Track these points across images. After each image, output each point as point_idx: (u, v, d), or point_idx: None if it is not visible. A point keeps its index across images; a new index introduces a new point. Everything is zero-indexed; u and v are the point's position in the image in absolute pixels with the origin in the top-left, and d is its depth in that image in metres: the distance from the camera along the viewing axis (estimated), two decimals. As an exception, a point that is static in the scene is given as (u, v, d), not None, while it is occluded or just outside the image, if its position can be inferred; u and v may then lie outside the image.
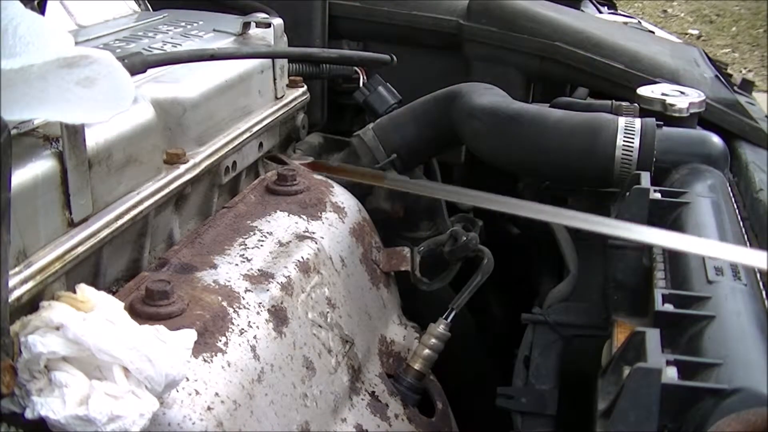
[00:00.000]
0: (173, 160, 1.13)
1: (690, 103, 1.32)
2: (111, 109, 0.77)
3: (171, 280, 0.96)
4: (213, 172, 1.24)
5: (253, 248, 1.12)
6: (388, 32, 1.79)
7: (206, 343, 0.91)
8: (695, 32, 6.78)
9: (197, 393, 0.86)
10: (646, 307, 0.91)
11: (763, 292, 0.87)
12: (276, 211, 1.22)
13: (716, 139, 1.22)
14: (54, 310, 0.80)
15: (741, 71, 5.61)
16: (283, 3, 1.61)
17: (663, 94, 1.34)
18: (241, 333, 0.96)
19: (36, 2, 0.95)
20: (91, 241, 0.94)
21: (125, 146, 1.01)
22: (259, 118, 1.38)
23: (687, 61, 1.61)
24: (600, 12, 2.17)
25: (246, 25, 1.43)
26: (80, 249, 0.92)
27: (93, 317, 0.80)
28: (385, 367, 1.24)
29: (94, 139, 0.95)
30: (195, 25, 1.47)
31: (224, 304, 0.98)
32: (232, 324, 0.96)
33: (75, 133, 0.90)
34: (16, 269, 0.84)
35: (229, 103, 1.29)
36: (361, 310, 1.23)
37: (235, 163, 1.30)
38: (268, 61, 1.41)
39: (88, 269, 0.97)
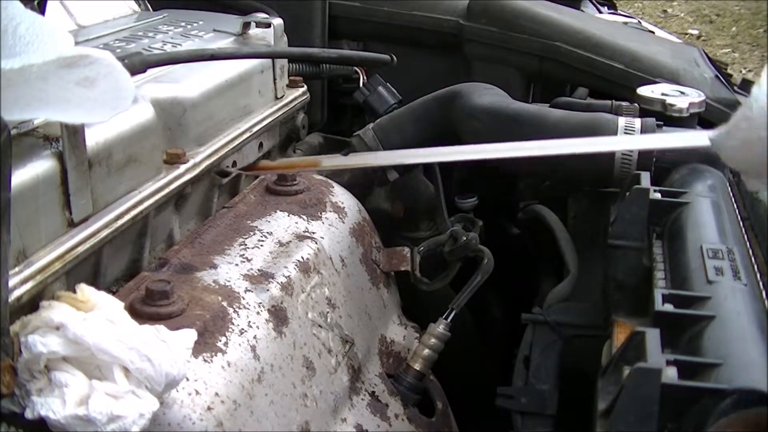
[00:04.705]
0: (173, 160, 1.13)
1: (690, 103, 1.32)
2: (111, 109, 0.77)
3: (171, 280, 0.96)
4: (213, 172, 1.24)
5: (253, 248, 1.12)
6: (388, 32, 1.79)
7: (206, 343, 0.91)
8: (695, 32, 6.78)
9: (197, 393, 0.86)
10: (646, 307, 0.91)
11: (763, 292, 0.87)
12: (276, 211, 1.22)
13: (716, 139, 1.22)
14: (54, 310, 0.80)
15: (741, 71, 5.60)
16: (283, 3, 1.61)
17: (663, 94, 1.34)
18: (241, 333, 0.96)
19: (36, 2, 0.95)
20: (91, 241, 0.94)
21: (125, 146, 1.01)
22: (259, 118, 1.37)
23: (687, 61, 1.61)
24: (600, 12, 2.17)
25: (246, 25, 1.43)
26: (80, 249, 0.92)
27: (93, 317, 0.80)
28: (385, 367, 1.24)
29: (94, 139, 0.95)
30: (195, 25, 1.47)
31: (224, 304, 0.98)
32: (232, 324, 0.96)
33: (75, 133, 0.90)
34: (16, 269, 0.84)
35: (229, 103, 1.29)
36: (361, 310, 1.23)
37: (235, 163, 1.30)
38: (268, 61, 1.41)
39: (88, 269, 0.97)
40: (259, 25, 1.45)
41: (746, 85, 1.63)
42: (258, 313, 1.00)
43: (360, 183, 1.42)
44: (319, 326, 1.11)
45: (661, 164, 1.17)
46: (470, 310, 1.44)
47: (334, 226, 1.25)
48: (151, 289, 0.93)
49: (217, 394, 0.87)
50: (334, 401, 1.09)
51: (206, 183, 1.24)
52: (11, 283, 0.81)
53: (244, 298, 1.01)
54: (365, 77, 1.66)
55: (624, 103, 1.36)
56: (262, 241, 1.14)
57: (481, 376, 1.55)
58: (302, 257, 1.13)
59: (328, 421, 1.07)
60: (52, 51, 0.68)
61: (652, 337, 0.72)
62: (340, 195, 1.33)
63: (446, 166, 1.65)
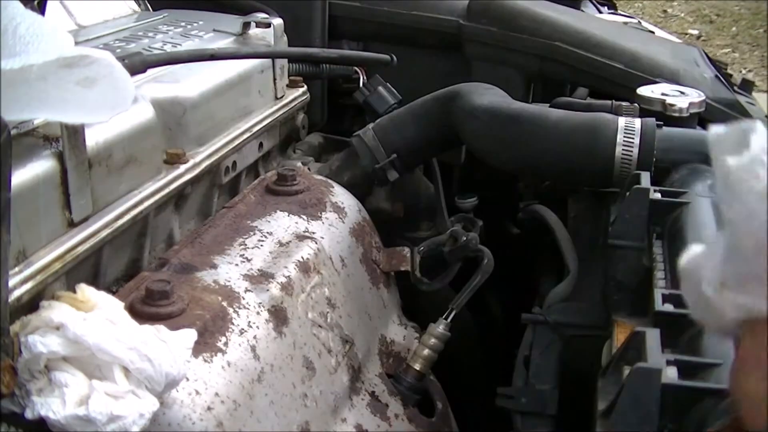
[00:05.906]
0: (173, 160, 1.13)
1: (690, 103, 1.32)
2: (111, 109, 0.77)
3: (171, 280, 0.96)
4: (213, 172, 1.24)
5: (253, 248, 1.12)
6: (388, 32, 1.78)
7: (206, 343, 0.91)
8: (695, 32, 6.78)
9: (197, 393, 0.86)
10: (646, 307, 0.91)
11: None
12: (276, 211, 1.22)
13: (716, 139, 1.21)
14: (54, 310, 0.80)
15: (741, 71, 5.60)
16: (283, 3, 1.61)
17: (663, 94, 1.34)
18: (241, 333, 0.96)
19: (36, 2, 0.95)
20: (91, 241, 0.94)
21: (125, 146, 1.02)
22: (259, 118, 1.38)
23: (687, 61, 1.61)
24: (600, 12, 2.17)
25: (246, 25, 1.43)
26: (80, 249, 0.92)
27: (93, 317, 0.80)
28: (385, 367, 1.24)
29: (94, 139, 0.95)
30: (195, 25, 1.47)
31: (224, 304, 0.98)
32: (232, 324, 0.96)
33: (75, 133, 0.90)
34: (16, 269, 0.84)
35: (229, 103, 1.29)
36: (361, 310, 1.23)
37: (235, 163, 1.30)
38: (268, 61, 1.41)
39: (88, 269, 0.97)
40: (259, 25, 1.45)
41: (746, 85, 1.63)
42: (258, 313, 1.00)
43: (360, 183, 1.42)
44: (319, 326, 1.11)
45: (661, 164, 1.18)
46: (470, 310, 1.44)
47: (334, 226, 1.25)
48: (151, 289, 0.92)
49: (217, 394, 0.87)
50: (334, 401, 1.09)
51: (206, 183, 1.24)
52: (11, 283, 0.81)
53: (244, 298, 1.01)
54: (365, 77, 1.66)
55: (624, 103, 1.36)
56: (262, 241, 1.14)
57: (481, 376, 1.55)
58: (302, 257, 1.13)
59: (328, 421, 1.07)
60: (52, 51, 0.68)
61: (652, 337, 0.72)
62: (340, 195, 1.33)
63: (446, 166, 1.65)
